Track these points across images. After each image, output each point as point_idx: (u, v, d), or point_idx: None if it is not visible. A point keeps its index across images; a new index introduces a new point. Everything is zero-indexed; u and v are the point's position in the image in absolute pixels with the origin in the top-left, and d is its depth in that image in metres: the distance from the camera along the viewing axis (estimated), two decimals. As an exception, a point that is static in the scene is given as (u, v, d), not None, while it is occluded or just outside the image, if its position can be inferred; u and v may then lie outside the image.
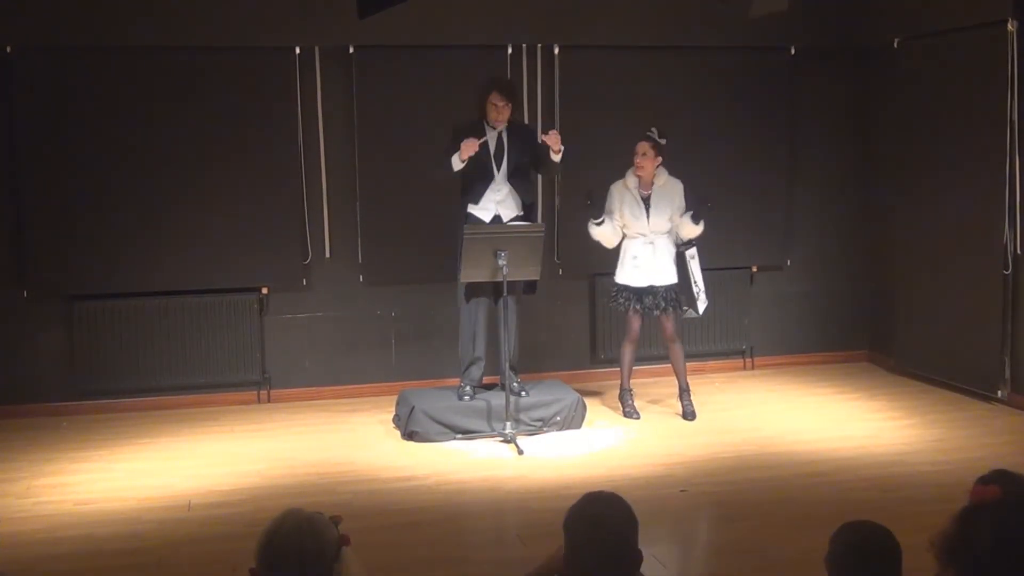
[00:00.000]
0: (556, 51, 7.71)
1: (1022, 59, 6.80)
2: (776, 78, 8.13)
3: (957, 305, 7.41)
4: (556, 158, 6.51)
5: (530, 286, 6.79)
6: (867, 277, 8.52)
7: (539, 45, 7.71)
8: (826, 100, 8.36)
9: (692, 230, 6.77)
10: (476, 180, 6.58)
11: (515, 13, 7.63)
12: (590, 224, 6.77)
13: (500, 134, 6.57)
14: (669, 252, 6.79)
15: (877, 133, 8.30)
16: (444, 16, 7.44)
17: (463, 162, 6.40)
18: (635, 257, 6.76)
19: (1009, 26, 6.79)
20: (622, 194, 6.73)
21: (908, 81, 7.79)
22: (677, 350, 6.95)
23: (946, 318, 7.52)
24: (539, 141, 6.60)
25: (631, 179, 6.73)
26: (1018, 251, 6.93)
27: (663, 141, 6.69)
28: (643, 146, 6.68)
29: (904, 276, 7.96)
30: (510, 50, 7.62)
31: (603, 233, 6.77)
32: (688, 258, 6.75)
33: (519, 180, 6.66)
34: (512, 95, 6.56)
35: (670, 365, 7.11)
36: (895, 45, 7.83)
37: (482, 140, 6.42)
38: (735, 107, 8.03)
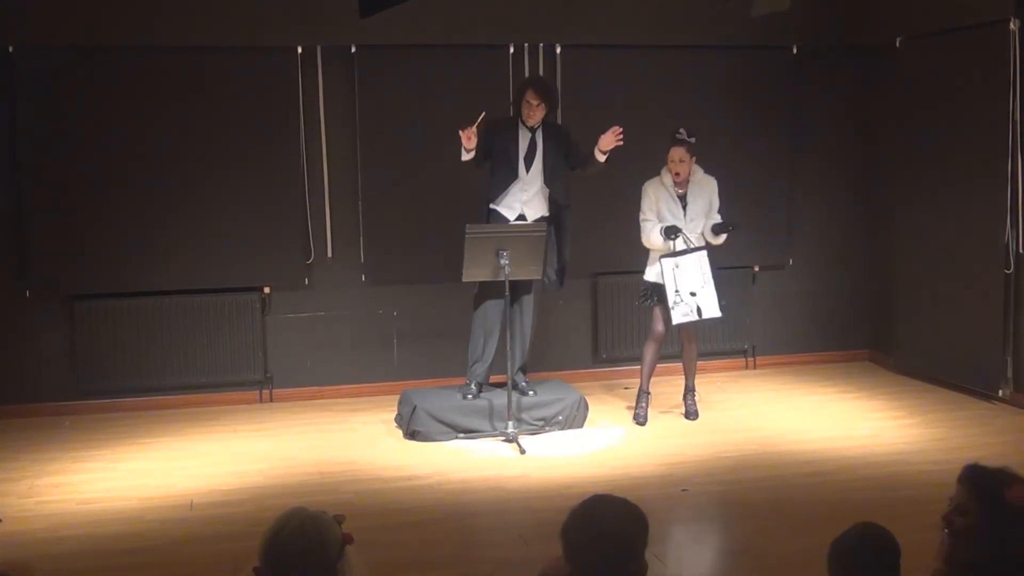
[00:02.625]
0: (558, 50, 7.71)
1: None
2: (778, 77, 8.13)
3: (959, 304, 7.41)
4: (601, 158, 6.53)
5: (561, 279, 6.82)
6: (869, 276, 8.52)
7: (540, 44, 7.71)
8: (828, 99, 8.36)
9: (712, 238, 6.71)
10: (500, 178, 6.59)
11: (517, 13, 7.63)
12: (652, 229, 6.63)
13: (534, 135, 6.57)
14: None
15: (879, 132, 8.30)
16: (446, 16, 7.45)
17: (469, 152, 6.39)
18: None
19: (1011, 25, 6.79)
20: (658, 192, 6.64)
21: (910, 80, 7.79)
22: (692, 349, 6.91)
23: (948, 317, 7.51)
24: (583, 151, 6.57)
25: (667, 177, 6.64)
26: (1020, 250, 6.93)
27: (694, 140, 6.59)
28: (679, 152, 6.56)
29: (906, 275, 7.96)
30: (512, 49, 7.63)
31: (658, 242, 6.66)
32: (672, 267, 6.55)
33: (554, 182, 6.65)
34: (547, 95, 6.53)
35: (671, 364, 7.09)
36: (897, 44, 7.83)
37: (478, 121, 6.32)
38: (737, 106, 8.03)
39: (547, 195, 6.67)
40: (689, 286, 6.53)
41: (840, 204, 8.48)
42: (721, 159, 7.96)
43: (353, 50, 7.42)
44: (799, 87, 8.22)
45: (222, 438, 6.69)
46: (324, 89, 7.48)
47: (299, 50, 7.36)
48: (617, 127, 6.47)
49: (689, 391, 6.95)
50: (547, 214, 6.70)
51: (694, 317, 6.57)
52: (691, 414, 6.88)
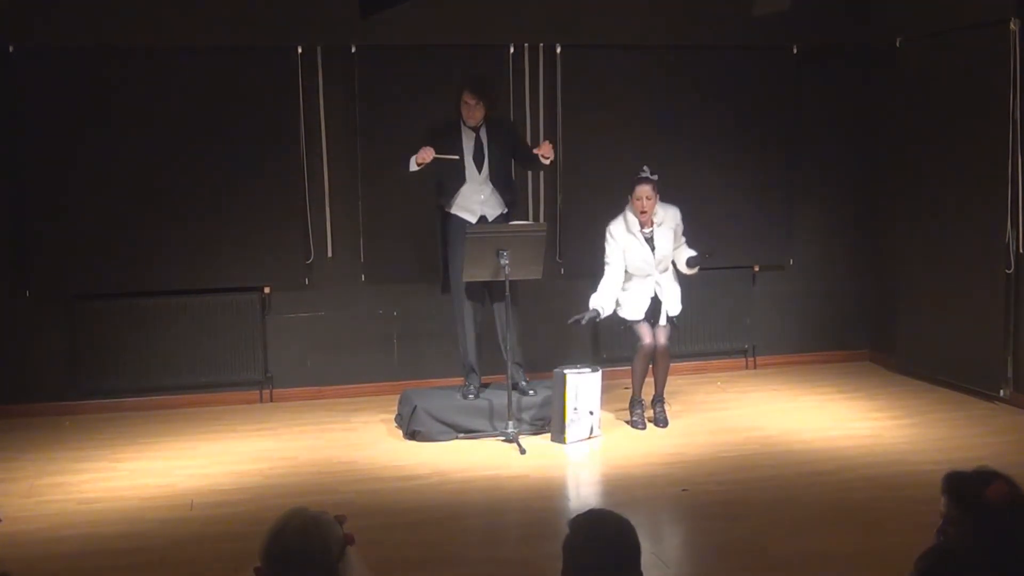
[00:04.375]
0: (558, 50, 7.71)
1: (1024, 58, 6.81)
2: (778, 77, 8.13)
3: (959, 304, 7.41)
4: (546, 162, 6.55)
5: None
6: (869, 276, 8.51)
7: (541, 44, 7.71)
8: (828, 99, 8.35)
9: (685, 270, 6.74)
10: (451, 182, 6.54)
11: (517, 13, 7.63)
12: (598, 295, 6.61)
13: (478, 133, 6.53)
14: (674, 281, 6.74)
15: (879, 132, 8.30)
16: (446, 16, 7.45)
17: (419, 166, 6.37)
18: (644, 296, 6.67)
19: (1011, 25, 6.79)
20: (625, 237, 6.61)
21: (910, 80, 7.79)
22: (665, 362, 6.83)
23: (948, 317, 7.51)
24: (532, 151, 6.58)
25: (632, 221, 6.58)
26: (1021, 250, 6.93)
27: (656, 177, 6.55)
28: (645, 190, 6.50)
29: (906, 275, 7.96)
30: (512, 50, 7.63)
31: (594, 302, 6.63)
32: (575, 384, 6.40)
33: (501, 179, 6.62)
34: (483, 93, 6.45)
35: (672, 364, 7.07)
36: (897, 44, 7.83)
37: (445, 156, 6.34)
38: (737, 106, 8.02)
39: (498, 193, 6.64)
40: (588, 405, 6.49)
41: (840, 204, 8.48)
42: (722, 159, 8.00)
43: (353, 50, 7.42)
44: (800, 87, 8.21)
45: (222, 438, 6.69)
46: (324, 89, 7.48)
47: (299, 50, 7.35)
48: (548, 142, 6.54)
49: (659, 399, 6.87)
50: (505, 211, 6.68)
51: (586, 436, 6.50)
52: (660, 422, 6.81)
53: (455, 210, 6.61)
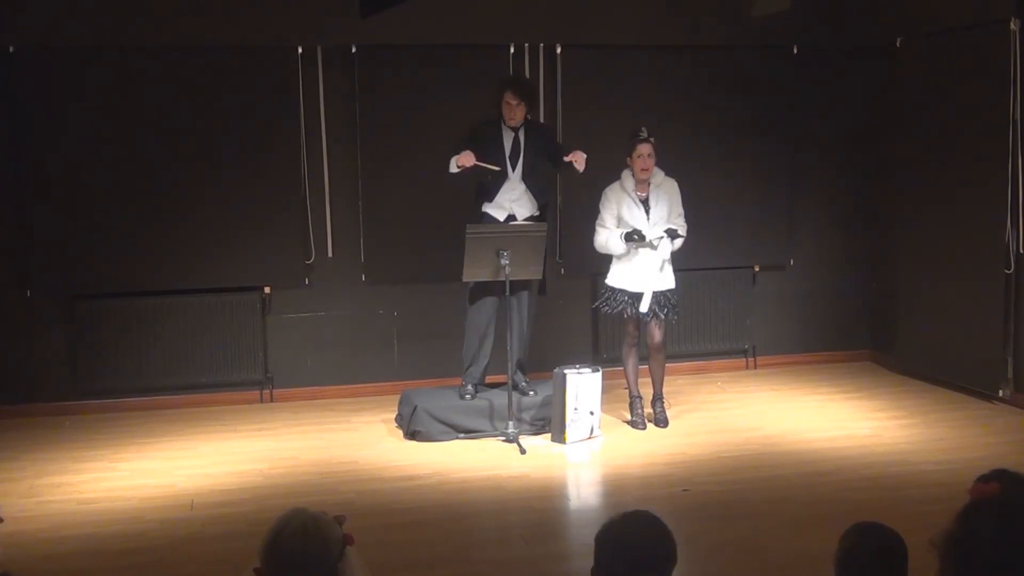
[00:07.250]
0: (558, 50, 7.71)
1: (1024, 58, 6.81)
2: (778, 77, 8.13)
3: (959, 304, 7.41)
4: (580, 168, 6.54)
5: (542, 287, 6.79)
6: (869, 277, 8.52)
7: (541, 44, 7.71)
8: (828, 99, 8.36)
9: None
10: (494, 185, 6.57)
11: (517, 13, 7.64)
12: (609, 237, 6.59)
13: (517, 134, 6.57)
14: (666, 254, 6.66)
15: (879, 132, 8.30)
16: (446, 15, 7.45)
17: (459, 168, 6.41)
18: (633, 260, 6.61)
19: (1012, 25, 6.79)
20: (620, 197, 6.60)
21: (911, 80, 7.79)
22: (661, 360, 6.82)
23: (948, 318, 7.51)
24: (564, 159, 6.57)
25: (628, 181, 6.59)
26: (1020, 250, 6.93)
27: (653, 140, 6.59)
28: (648, 147, 6.52)
29: (906, 275, 7.96)
30: (512, 49, 7.63)
31: (619, 248, 6.61)
32: (575, 385, 6.41)
33: (534, 180, 6.65)
34: (526, 95, 6.52)
35: (669, 364, 7.06)
36: (898, 44, 7.83)
37: (486, 165, 6.38)
38: (737, 106, 8.03)
39: (531, 194, 6.66)
40: (588, 405, 6.49)
41: (840, 204, 8.48)
42: (721, 159, 8.00)
43: (353, 50, 7.43)
44: (800, 87, 8.21)
45: (222, 438, 6.69)
46: (324, 89, 7.48)
47: (299, 50, 7.36)
48: (579, 152, 6.48)
49: (658, 398, 6.86)
50: (537, 213, 6.70)
51: (586, 436, 6.50)
52: (660, 422, 6.80)
53: (487, 208, 6.63)
